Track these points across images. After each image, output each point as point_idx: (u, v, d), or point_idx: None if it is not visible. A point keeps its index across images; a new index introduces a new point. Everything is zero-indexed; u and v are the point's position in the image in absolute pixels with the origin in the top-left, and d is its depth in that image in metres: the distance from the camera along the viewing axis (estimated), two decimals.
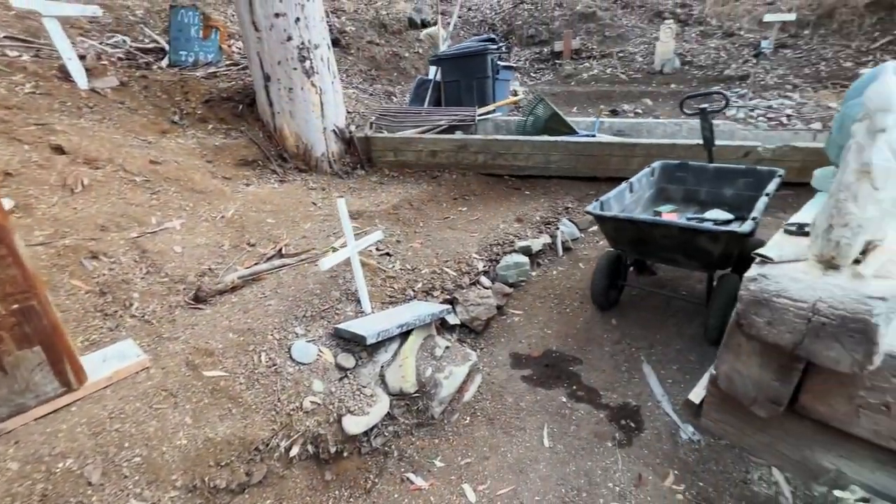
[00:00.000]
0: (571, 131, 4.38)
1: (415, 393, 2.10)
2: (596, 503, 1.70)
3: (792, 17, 7.85)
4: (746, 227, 1.96)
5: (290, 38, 3.77)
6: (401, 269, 2.91)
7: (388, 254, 3.08)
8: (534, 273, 3.35)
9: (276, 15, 3.70)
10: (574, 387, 2.28)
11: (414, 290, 2.73)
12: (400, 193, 4.07)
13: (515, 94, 6.45)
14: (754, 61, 7.68)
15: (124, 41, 5.21)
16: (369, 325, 2.16)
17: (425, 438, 2.04)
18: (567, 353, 2.53)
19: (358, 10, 9.14)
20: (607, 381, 2.29)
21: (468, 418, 2.14)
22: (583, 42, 9.35)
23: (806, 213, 1.83)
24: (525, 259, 3.24)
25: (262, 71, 3.95)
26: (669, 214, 2.94)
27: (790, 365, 1.45)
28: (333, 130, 4.22)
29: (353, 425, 1.87)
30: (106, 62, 4.51)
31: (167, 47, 5.24)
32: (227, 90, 4.58)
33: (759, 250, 1.46)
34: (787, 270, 1.31)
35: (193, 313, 2.26)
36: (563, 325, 2.77)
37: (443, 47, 6.65)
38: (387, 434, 2.00)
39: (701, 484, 1.73)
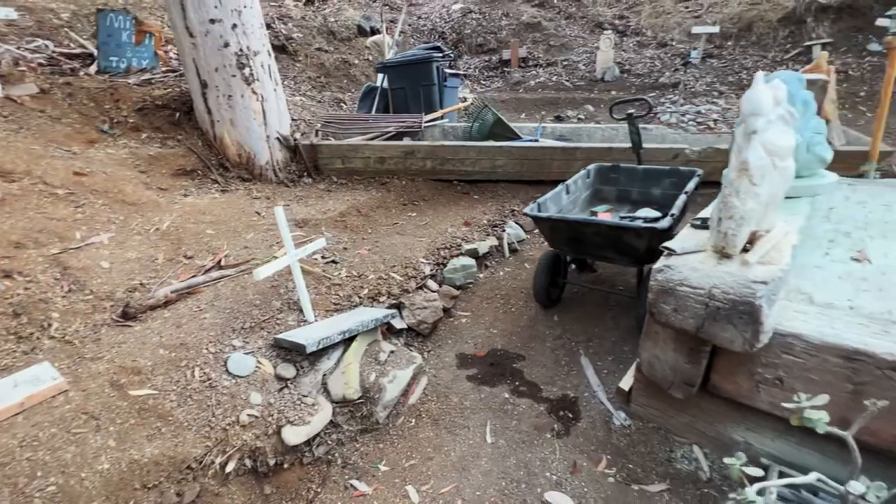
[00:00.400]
0: (515, 136, 4.53)
1: (359, 399, 2.09)
2: (534, 493, 1.76)
3: (716, 29, 8.50)
4: (665, 223, 2.11)
5: (227, 45, 3.68)
6: (347, 276, 2.89)
7: (334, 261, 3.06)
8: (481, 275, 3.42)
9: (212, 21, 3.60)
10: (517, 383, 2.35)
11: (360, 297, 2.73)
12: (348, 200, 4.05)
13: (465, 100, 6.58)
14: (683, 70, 8.24)
15: (46, 46, 4.89)
16: (310, 334, 2.14)
17: (370, 444, 2.04)
18: (511, 351, 2.60)
19: (305, 16, 9.02)
20: (548, 376, 2.38)
21: (413, 420, 2.15)
22: (529, 51, 9.68)
23: (709, 209, 2.00)
24: (472, 261, 3.31)
25: (199, 78, 3.82)
26: (604, 214, 3.11)
27: (698, 348, 1.57)
28: (277, 138, 4.14)
29: (294, 436, 1.84)
30: (25, 68, 4.22)
31: (96, 53, 4.97)
32: (162, 97, 4.39)
33: (666, 243, 1.58)
34: (688, 261, 1.43)
35: (121, 331, 2.15)
36: (509, 324, 2.85)
37: (389, 55, 6.68)
38: (330, 442, 1.98)
39: (630, 466, 1.83)
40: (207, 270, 2.72)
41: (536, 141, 4.52)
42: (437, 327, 2.85)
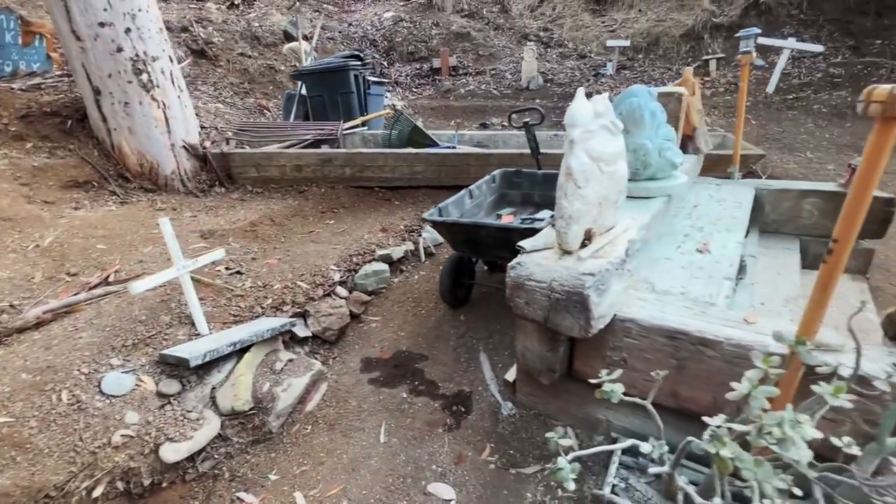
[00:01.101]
0: (433, 143, 4.65)
1: (250, 410, 2.07)
2: (418, 486, 1.83)
3: (627, 42, 9.19)
4: (545, 223, 2.28)
5: (120, 50, 3.50)
6: (251, 287, 2.84)
7: (238, 272, 2.99)
8: (396, 279, 3.48)
9: (101, 24, 3.41)
10: (416, 382, 2.43)
11: (263, 307, 2.69)
12: (261, 210, 3.97)
13: (394, 108, 6.66)
14: (594, 81, 8.82)
15: None
16: (196, 347, 2.09)
17: (262, 454, 2.02)
18: (415, 352, 2.68)
19: (227, 20, 8.71)
20: (447, 373, 2.47)
21: (309, 427, 2.16)
22: (459, 60, 9.95)
23: None
24: (385, 267, 3.36)
25: (91, 84, 3.60)
26: (507, 216, 3.28)
27: (555, 337, 1.72)
28: (184, 147, 3.98)
29: (173, 453, 1.79)
30: None
31: None
32: (52, 104, 4.08)
33: (520, 242, 1.73)
34: (535, 258, 1.57)
35: None
36: (417, 326, 2.92)
37: (308, 62, 6.61)
38: (217, 456, 1.95)
39: (511, 451, 1.95)
40: (93, 287, 2.57)
41: (454, 147, 4.67)
42: (346, 333, 2.87)
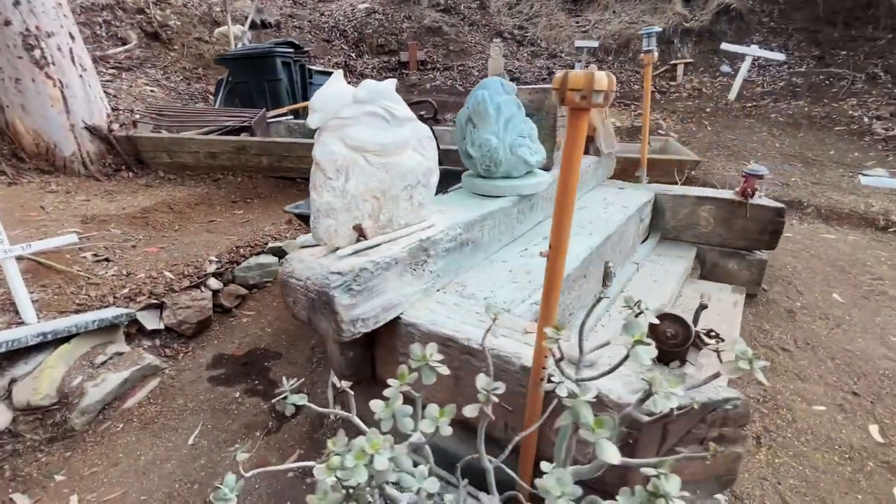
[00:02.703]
0: None
1: (51, 405, 1.95)
2: (203, 493, 1.72)
3: (595, 44, 9.07)
4: None
5: (7, 23, 3.35)
6: (113, 276, 2.72)
7: (107, 259, 2.87)
8: None
9: None
10: (257, 382, 2.31)
11: (116, 297, 2.56)
12: (164, 196, 3.84)
13: None
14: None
15: None
16: (7, 335, 1.96)
17: (56, 453, 1.90)
18: (272, 350, 2.56)
19: (188, 3, 8.53)
20: (293, 374, 2.36)
21: (121, 425, 2.04)
22: (428, 54, 9.81)
23: None
24: (273, 259, 3.23)
25: None
26: None
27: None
28: (85, 128, 3.83)
29: None
30: None
31: None
32: None
33: (298, 239, 1.61)
34: (302, 254, 1.46)
35: None
36: (287, 323, 2.80)
37: (238, 47, 6.44)
38: (2, 453, 1.82)
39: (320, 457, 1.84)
40: None
41: None
42: (210, 327, 2.75)
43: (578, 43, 9.09)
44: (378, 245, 1.47)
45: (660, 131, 6.47)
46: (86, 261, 2.81)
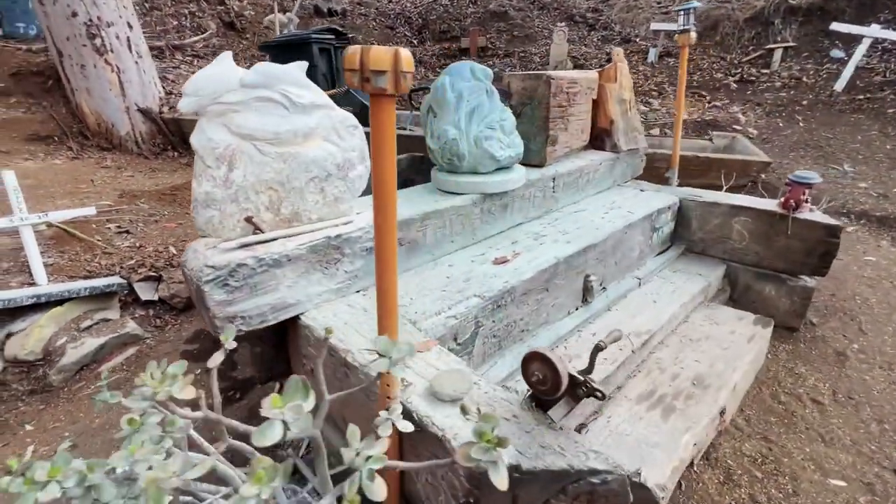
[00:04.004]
0: None
1: (36, 360, 2.16)
2: None
3: (674, 26, 8.10)
4: None
5: (75, 14, 3.75)
6: (127, 247, 2.96)
7: (127, 231, 3.13)
8: None
9: None
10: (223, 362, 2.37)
11: (122, 267, 2.79)
12: None
13: (341, 85, 6.53)
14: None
15: None
16: (4, 294, 2.20)
17: (34, 404, 2.10)
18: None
19: None
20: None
21: (92, 387, 2.21)
22: (490, 40, 9.47)
23: None
24: None
25: (56, 46, 3.92)
26: None
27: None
28: (138, 110, 4.21)
29: None
30: None
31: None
32: (41, 64, 4.52)
33: None
34: (197, 244, 1.41)
35: None
36: None
37: (285, 33, 6.63)
38: None
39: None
40: None
41: (405, 129, 4.47)
42: None
43: (655, 26, 8.21)
44: (273, 240, 1.39)
45: (735, 126, 5.63)
46: (108, 231, 3.09)
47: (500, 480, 0.54)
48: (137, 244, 2.99)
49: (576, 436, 0.96)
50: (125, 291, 2.63)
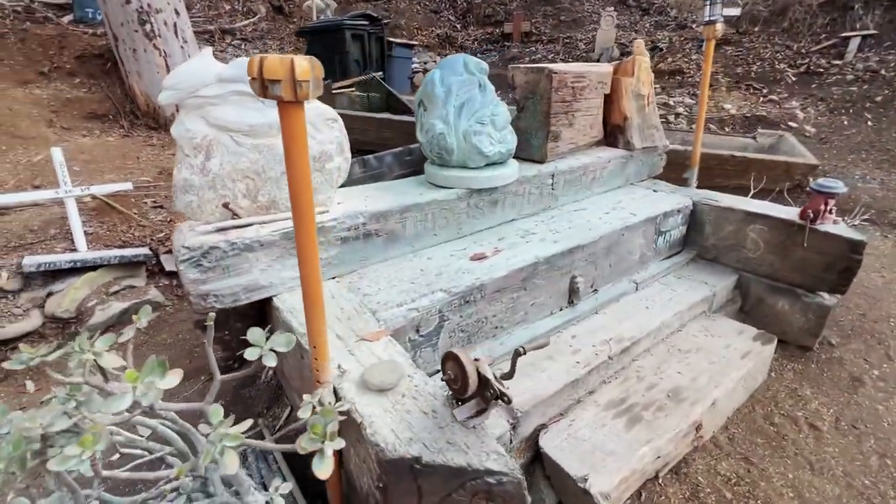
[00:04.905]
0: (408, 110, 4.52)
1: (70, 318, 2.43)
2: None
3: (737, 11, 7.49)
4: None
5: (128, 2, 4.05)
6: (160, 220, 3.23)
7: (161, 206, 3.40)
8: None
9: None
10: (227, 332, 2.55)
11: (152, 239, 3.05)
12: None
13: (366, 73, 6.54)
14: (658, 55, 7.42)
15: None
16: (43, 259, 2.49)
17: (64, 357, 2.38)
18: None
19: None
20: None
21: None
22: (536, 25, 9.19)
23: None
24: None
25: (112, 31, 4.25)
26: None
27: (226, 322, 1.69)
28: None
29: None
30: None
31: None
32: (102, 48, 4.92)
33: None
34: (183, 225, 1.53)
35: None
36: None
37: (321, 19, 6.74)
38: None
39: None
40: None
41: None
42: None
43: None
44: (248, 225, 1.48)
45: (789, 123, 5.19)
46: (145, 206, 3.37)
47: (322, 470, 0.59)
48: (168, 219, 3.25)
49: (485, 436, 0.99)
50: (153, 262, 2.89)
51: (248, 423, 0.90)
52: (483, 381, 0.95)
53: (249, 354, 0.97)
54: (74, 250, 2.76)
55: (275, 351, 0.98)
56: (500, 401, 0.92)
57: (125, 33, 4.18)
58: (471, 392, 0.94)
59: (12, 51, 4.53)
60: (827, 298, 2.21)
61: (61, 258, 2.50)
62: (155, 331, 2.57)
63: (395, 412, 1.06)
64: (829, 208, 2.10)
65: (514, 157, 2.35)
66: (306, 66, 0.75)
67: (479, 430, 1.00)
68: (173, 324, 2.65)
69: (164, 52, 4.32)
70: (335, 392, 1.14)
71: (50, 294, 2.49)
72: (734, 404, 1.94)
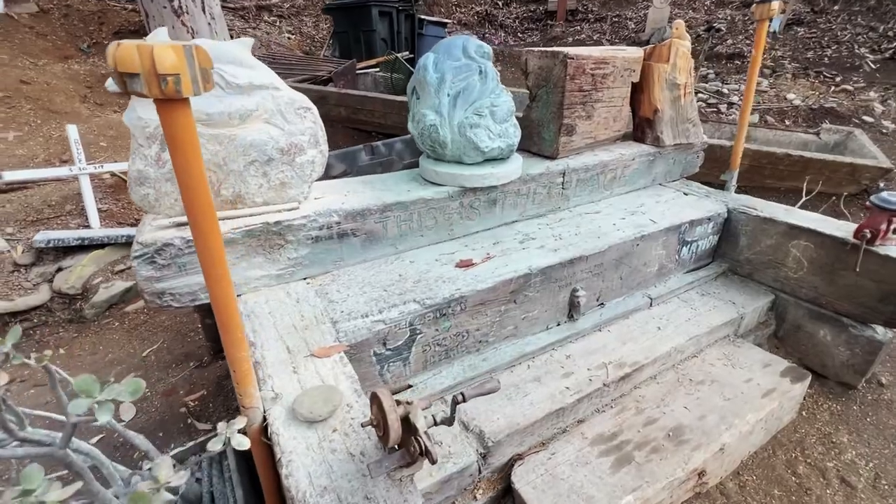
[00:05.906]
0: None
1: (76, 294, 2.49)
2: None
3: None
4: None
5: None
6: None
7: None
8: None
9: None
10: None
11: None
12: None
13: (390, 53, 6.26)
14: (709, 38, 6.69)
15: None
16: (54, 235, 2.55)
17: (70, 332, 2.45)
18: None
19: None
20: None
21: (117, 323, 2.50)
22: (582, 3, 8.60)
23: None
24: None
25: (143, 8, 4.29)
26: None
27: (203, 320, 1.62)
28: None
29: None
30: None
31: None
32: (137, 24, 5.01)
33: None
34: (147, 218, 1.46)
35: None
36: None
37: None
38: (37, 321, 2.43)
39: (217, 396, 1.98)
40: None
41: None
42: None
43: None
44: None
45: (864, 117, 4.56)
46: None
47: None
48: None
49: (410, 493, 0.85)
50: None
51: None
52: (411, 429, 0.80)
53: None
54: (87, 226, 2.82)
55: None
56: (426, 458, 0.77)
57: (155, 10, 4.20)
58: (392, 443, 0.80)
59: (55, 26, 4.69)
60: (880, 333, 1.89)
61: (70, 234, 2.56)
62: (156, 312, 2.60)
63: (320, 451, 0.94)
64: (892, 227, 1.76)
65: (524, 152, 2.15)
66: (173, 57, 0.61)
67: (405, 483, 0.86)
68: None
69: (192, 28, 4.31)
70: (264, 418, 1.04)
71: (59, 269, 2.56)
72: (749, 449, 1.70)
